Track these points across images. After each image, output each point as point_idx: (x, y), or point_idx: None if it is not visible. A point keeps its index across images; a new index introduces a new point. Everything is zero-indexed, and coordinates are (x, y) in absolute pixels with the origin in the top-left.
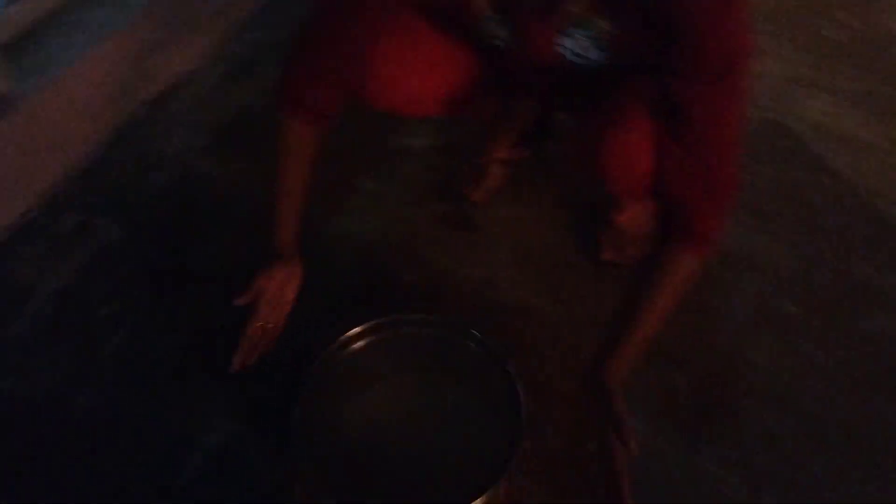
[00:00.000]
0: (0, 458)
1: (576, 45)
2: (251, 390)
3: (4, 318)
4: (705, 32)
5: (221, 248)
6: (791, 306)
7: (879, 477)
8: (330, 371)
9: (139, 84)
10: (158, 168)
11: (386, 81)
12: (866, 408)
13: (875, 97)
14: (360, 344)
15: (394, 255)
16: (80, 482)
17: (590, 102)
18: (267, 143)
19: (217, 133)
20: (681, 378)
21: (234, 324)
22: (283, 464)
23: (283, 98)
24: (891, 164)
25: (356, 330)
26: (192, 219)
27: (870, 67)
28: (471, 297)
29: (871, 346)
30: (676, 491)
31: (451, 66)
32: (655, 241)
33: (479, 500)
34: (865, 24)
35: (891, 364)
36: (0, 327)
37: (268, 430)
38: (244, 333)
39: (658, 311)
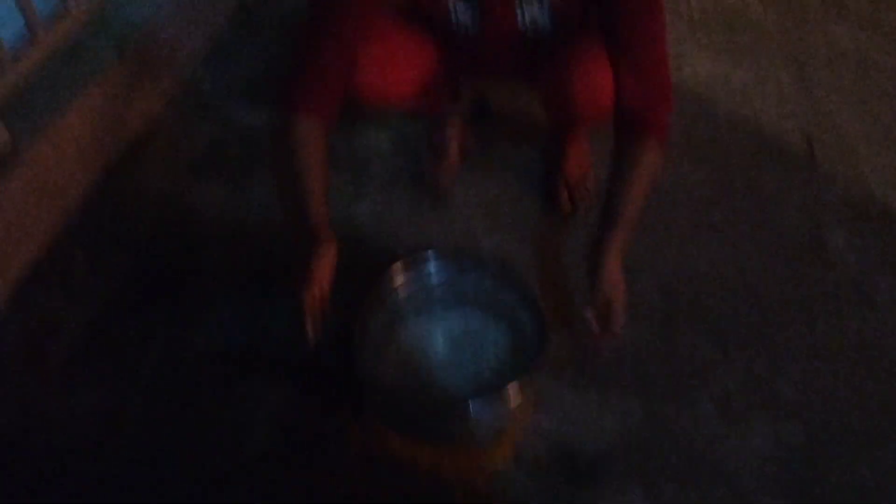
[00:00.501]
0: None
1: (530, 18)
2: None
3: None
4: None
5: (221, 265)
6: (717, 215)
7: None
8: (382, 302)
9: (118, 128)
10: (149, 204)
11: (374, 76)
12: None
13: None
14: (402, 280)
15: (381, 236)
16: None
17: (545, 68)
18: (240, 172)
19: (194, 167)
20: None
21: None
22: (347, 398)
23: (294, 98)
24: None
25: (398, 265)
26: (190, 243)
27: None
28: None
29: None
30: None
31: (428, 57)
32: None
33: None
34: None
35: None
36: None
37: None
38: (304, 309)
39: (638, 196)
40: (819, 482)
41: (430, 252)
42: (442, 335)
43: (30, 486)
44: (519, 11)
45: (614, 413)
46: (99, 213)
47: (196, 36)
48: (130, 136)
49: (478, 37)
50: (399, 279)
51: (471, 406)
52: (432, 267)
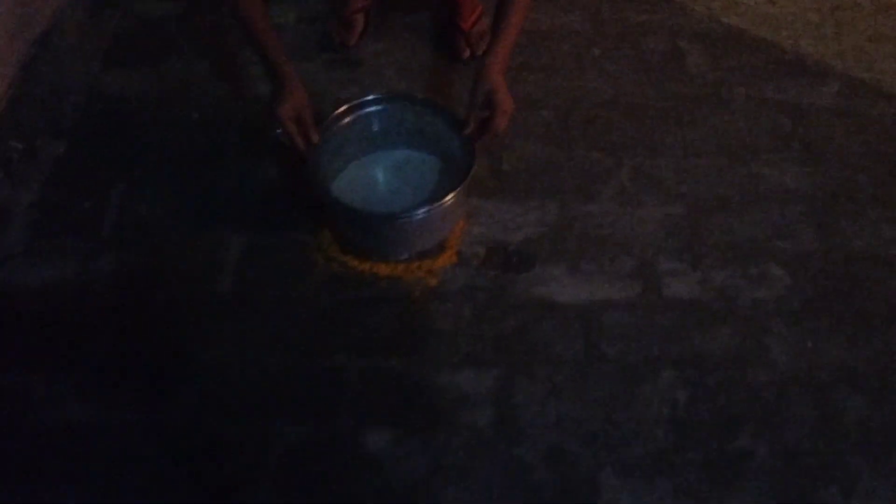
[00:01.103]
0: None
1: None
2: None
3: None
4: None
5: (155, 145)
6: (596, 50)
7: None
8: (331, 141)
9: (27, 26)
10: (70, 94)
11: None
12: None
13: None
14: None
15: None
16: None
17: None
18: (150, 59)
19: (107, 58)
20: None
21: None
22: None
23: None
24: None
25: (344, 108)
26: (119, 127)
27: None
28: None
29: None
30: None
31: None
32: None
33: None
34: None
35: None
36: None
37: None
38: (286, 121)
39: (515, 25)
40: (700, 243)
41: (369, 97)
42: (384, 169)
43: None
44: None
45: (534, 213)
46: (23, 107)
47: None
48: (40, 33)
49: None
50: (342, 121)
51: (418, 214)
52: (371, 108)
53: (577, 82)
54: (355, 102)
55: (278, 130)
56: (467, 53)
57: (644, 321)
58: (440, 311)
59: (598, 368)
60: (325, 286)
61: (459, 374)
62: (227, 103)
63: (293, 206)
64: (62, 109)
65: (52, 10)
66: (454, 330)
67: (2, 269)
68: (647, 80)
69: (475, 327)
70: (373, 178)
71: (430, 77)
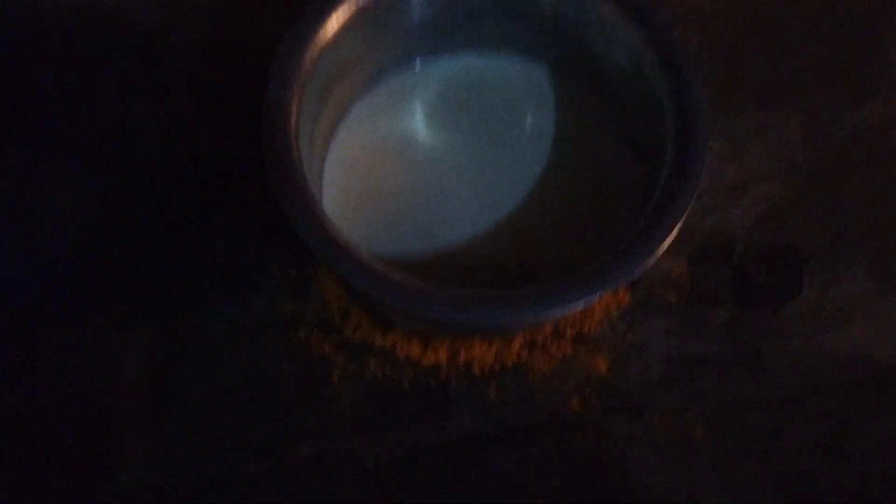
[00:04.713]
0: None
1: None
2: None
3: None
4: None
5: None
6: None
7: None
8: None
9: None
10: None
11: None
12: None
13: None
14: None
15: None
16: None
17: None
18: None
19: None
20: None
21: None
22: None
23: None
24: None
25: None
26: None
27: None
28: None
29: None
30: None
31: None
32: None
33: None
34: None
35: None
36: None
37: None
38: None
39: None
40: None
41: None
42: (437, 110)
43: None
44: None
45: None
46: None
47: None
48: None
49: None
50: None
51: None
52: None
53: None
54: None
55: None
56: None
57: None
58: (645, 456)
59: None
60: (353, 400)
61: None
62: None
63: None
64: None
65: None
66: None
67: None
68: None
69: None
70: (411, 135)
71: None
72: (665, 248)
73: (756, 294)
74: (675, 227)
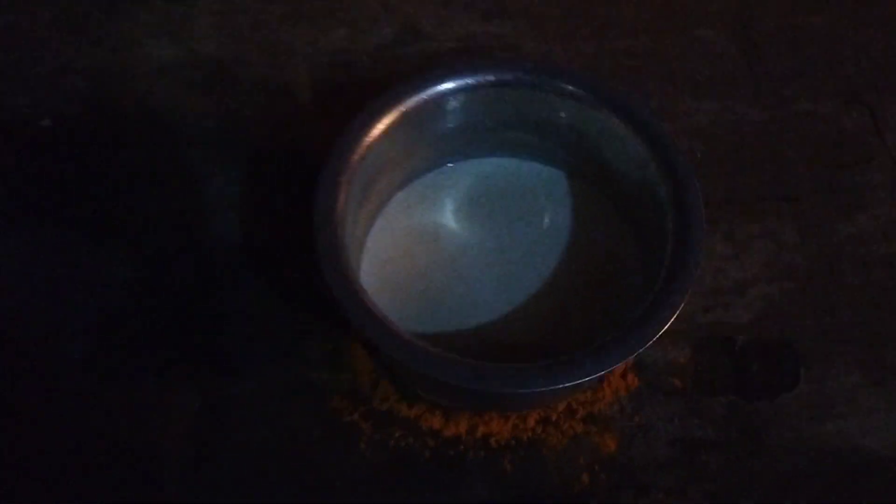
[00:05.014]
0: None
1: None
2: None
3: None
4: None
5: None
6: None
7: None
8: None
9: None
10: None
11: None
12: None
13: None
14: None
15: None
16: None
17: None
18: None
19: None
20: None
21: None
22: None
23: None
24: None
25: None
26: None
27: None
28: None
29: None
30: None
31: None
32: None
33: None
34: None
35: None
36: None
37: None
38: None
39: None
40: None
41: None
42: (468, 201)
43: None
44: None
45: (764, 246)
46: None
47: None
48: None
49: None
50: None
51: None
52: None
53: None
54: (414, 79)
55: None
56: None
57: None
58: None
59: None
60: (378, 465)
61: None
62: None
63: (295, 310)
64: None
65: None
66: None
67: None
68: None
69: None
70: (441, 225)
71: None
72: (661, 334)
73: (755, 384)
74: (671, 317)
